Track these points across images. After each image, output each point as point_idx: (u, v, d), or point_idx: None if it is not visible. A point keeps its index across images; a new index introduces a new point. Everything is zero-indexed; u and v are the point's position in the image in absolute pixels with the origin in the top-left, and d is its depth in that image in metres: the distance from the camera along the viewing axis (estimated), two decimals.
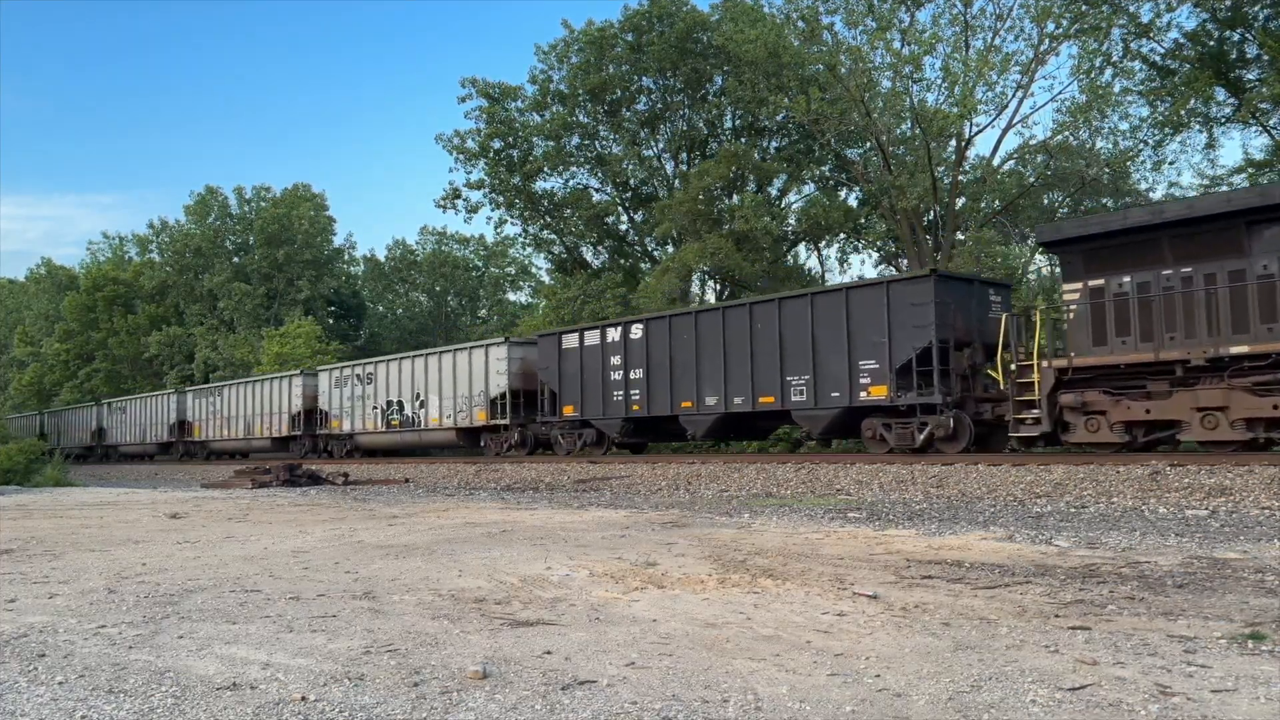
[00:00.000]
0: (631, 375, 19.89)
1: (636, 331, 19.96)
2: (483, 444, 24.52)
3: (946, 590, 5.50)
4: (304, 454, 30.82)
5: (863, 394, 15.92)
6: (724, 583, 5.88)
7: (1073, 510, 10.22)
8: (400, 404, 27.02)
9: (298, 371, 32.28)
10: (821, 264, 37.42)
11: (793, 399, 16.94)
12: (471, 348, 24.81)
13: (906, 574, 6.09)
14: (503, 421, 23.42)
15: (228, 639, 4.62)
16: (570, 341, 21.46)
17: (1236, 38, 25.09)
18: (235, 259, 52.23)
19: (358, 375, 29.00)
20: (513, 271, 59.23)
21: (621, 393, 20.10)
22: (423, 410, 26.10)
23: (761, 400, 17.48)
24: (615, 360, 20.33)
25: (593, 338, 20.98)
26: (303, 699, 3.54)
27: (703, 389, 18.58)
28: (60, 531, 10.57)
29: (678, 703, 3.39)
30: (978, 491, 12.11)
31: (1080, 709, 3.23)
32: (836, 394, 16.26)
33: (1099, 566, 6.23)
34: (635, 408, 19.85)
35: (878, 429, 16.06)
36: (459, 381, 24.73)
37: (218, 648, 4.44)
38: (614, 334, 20.46)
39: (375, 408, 28.03)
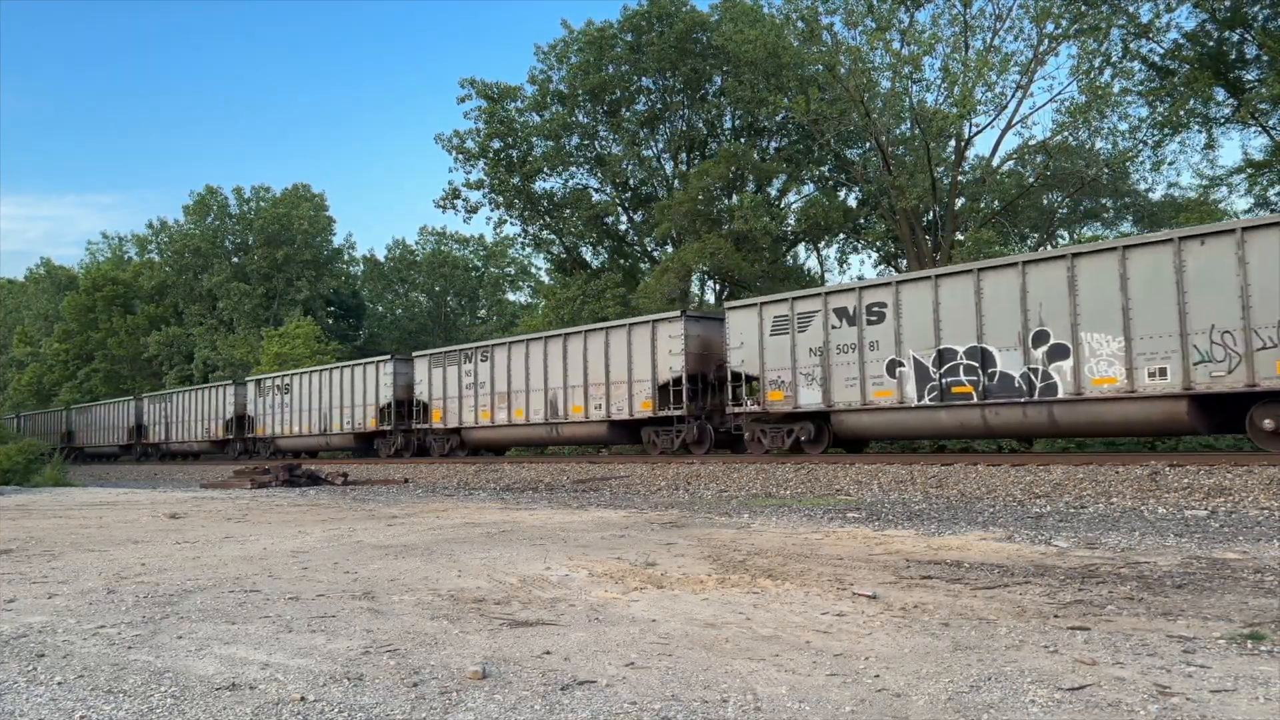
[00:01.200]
0: None
1: None
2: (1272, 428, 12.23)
3: (946, 590, 5.50)
4: (686, 444, 20.20)
5: None
6: (723, 583, 5.88)
7: (1072, 510, 10.22)
8: (982, 355, 14.85)
9: (677, 314, 20.64)
10: (821, 264, 37.48)
11: None
12: (1266, 225, 12.21)
13: (906, 574, 6.09)
14: None
15: (227, 639, 4.62)
16: None
17: (1236, 38, 25.12)
18: (235, 259, 52.26)
19: (846, 312, 16.79)
20: (512, 272, 59.35)
21: None
22: (1065, 364, 13.89)
23: None
24: None
25: None
26: (302, 699, 3.54)
27: None
28: (60, 531, 10.57)
29: (677, 703, 3.39)
30: (977, 492, 12.11)
31: (1079, 709, 3.23)
32: None
33: (1098, 567, 6.23)
34: None
35: None
36: (1194, 301, 12.60)
37: (217, 648, 4.44)
38: None
39: (898, 363, 15.96)
